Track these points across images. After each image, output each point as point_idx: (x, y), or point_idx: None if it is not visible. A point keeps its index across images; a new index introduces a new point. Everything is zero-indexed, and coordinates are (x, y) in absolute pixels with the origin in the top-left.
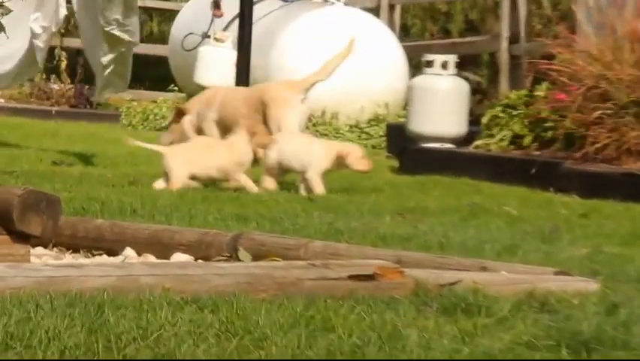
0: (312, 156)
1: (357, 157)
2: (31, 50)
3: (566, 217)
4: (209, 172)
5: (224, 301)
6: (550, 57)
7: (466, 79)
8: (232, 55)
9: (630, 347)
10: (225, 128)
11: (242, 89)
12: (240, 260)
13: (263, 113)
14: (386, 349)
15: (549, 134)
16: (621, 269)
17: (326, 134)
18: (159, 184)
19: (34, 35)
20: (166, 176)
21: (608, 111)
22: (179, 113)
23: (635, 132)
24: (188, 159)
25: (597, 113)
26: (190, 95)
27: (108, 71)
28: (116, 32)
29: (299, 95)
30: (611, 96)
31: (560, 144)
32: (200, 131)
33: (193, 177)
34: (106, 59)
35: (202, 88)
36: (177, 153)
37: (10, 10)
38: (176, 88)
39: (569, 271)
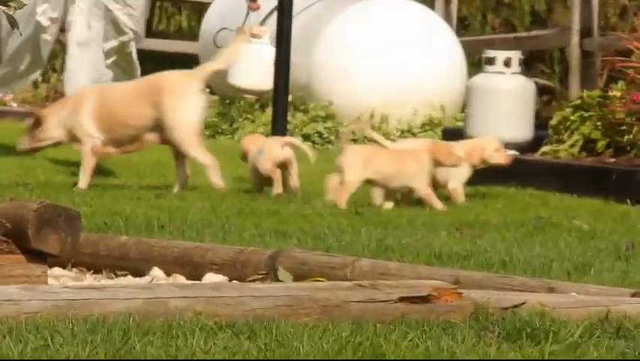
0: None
1: (492, 150)
2: (36, 45)
3: None
4: (389, 181)
5: (263, 326)
6: (627, 53)
7: (536, 83)
8: (270, 52)
9: None
10: (108, 129)
11: (122, 83)
12: (279, 280)
13: (155, 106)
14: None
15: (625, 139)
16: None
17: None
18: (332, 181)
19: (42, 29)
20: (340, 174)
21: None
22: (38, 121)
23: None
24: (367, 162)
25: None
26: (223, 98)
27: (110, 61)
28: (120, 15)
29: (196, 85)
30: None
31: (638, 150)
32: (71, 136)
33: (369, 182)
34: (108, 45)
35: (236, 89)
36: (358, 152)
37: (24, 4)
38: (207, 89)
39: None
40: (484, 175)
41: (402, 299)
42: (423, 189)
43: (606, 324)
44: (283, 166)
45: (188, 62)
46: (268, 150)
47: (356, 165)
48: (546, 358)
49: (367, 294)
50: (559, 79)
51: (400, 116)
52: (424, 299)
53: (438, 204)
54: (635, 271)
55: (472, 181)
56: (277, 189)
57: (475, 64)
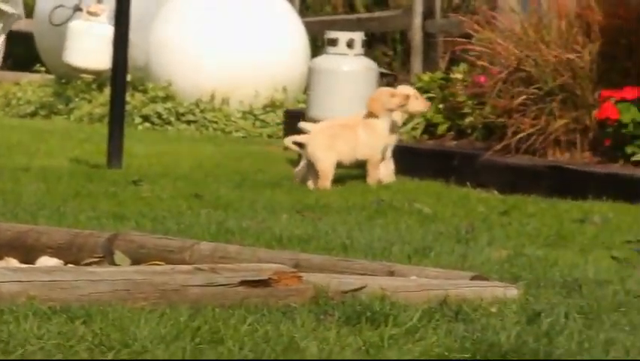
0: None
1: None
2: None
3: (484, 215)
4: (356, 157)
5: (98, 310)
6: (468, 36)
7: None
8: (108, 31)
9: (553, 360)
10: None
11: None
12: (116, 264)
13: None
14: None
15: (467, 122)
16: (544, 273)
17: (215, 122)
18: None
19: None
20: (308, 167)
21: (532, 97)
22: None
23: (562, 121)
24: (333, 145)
25: (520, 99)
26: (59, 77)
27: None
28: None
29: None
30: (535, 80)
31: (479, 134)
32: None
33: (339, 166)
34: None
35: (73, 68)
36: (321, 138)
37: None
38: (43, 68)
39: (487, 275)
40: None
41: (242, 283)
42: (374, 156)
43: (445, 308)
44: None
45: (22, 40)
46: None
47: (323, 148)
48: (385, 342)
49: (207, 278)
50: (401, 61)
51: (242, 98)
52: (264, 283)
53: (374, 179)
54: (475, 255)
55: None
56: None
57: (320, 45)
